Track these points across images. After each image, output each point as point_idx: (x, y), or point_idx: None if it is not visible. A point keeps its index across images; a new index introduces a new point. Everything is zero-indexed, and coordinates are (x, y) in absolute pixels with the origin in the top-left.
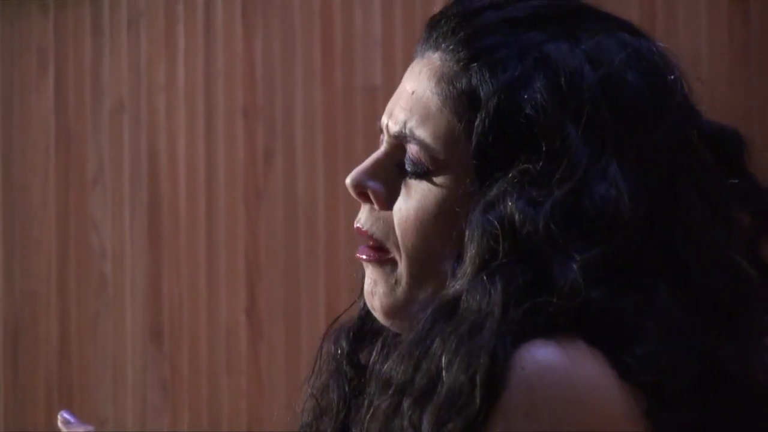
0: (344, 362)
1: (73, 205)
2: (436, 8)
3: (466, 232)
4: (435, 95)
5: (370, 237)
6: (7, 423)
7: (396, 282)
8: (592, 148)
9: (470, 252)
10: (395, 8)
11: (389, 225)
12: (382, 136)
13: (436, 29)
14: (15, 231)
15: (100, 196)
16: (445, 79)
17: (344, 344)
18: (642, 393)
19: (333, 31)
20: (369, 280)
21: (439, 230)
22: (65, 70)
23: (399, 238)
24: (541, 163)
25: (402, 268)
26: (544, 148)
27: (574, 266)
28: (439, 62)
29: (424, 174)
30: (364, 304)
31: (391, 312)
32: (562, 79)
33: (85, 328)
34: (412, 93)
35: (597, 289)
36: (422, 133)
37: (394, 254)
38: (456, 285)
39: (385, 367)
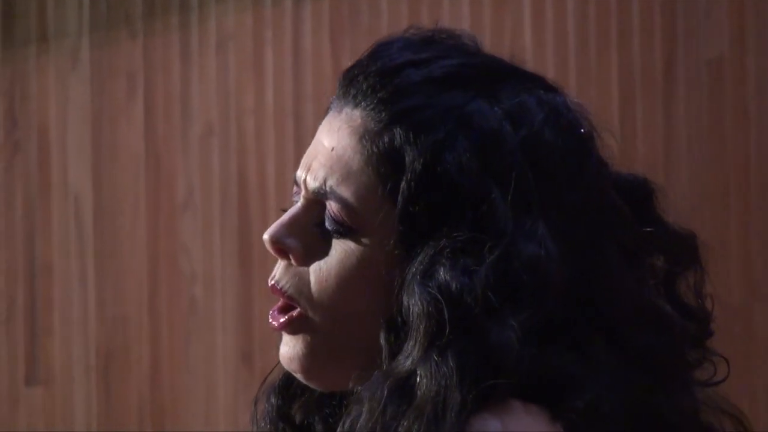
0: (277, 419)
1: (163, 229)
2: (524, 31)
3: (404, 303)
4: (357, 153)
5: (283, 294)
6: None
7: (312, 342)
8: (517, 210)
9: (414, 328)
10: (484, 30)
11: (304, 282)
12: (296, 189)
13: (353, 85)
14: (106, 256)
15: (190, 220)
16: (366, 138)
17: (273, 400)
18: None
19: None
20: (285, 347)
21: (362, 292)
22: (154, 94)
23: (315, 296)
24: (468, 230)
25: (318, 326)
26: (470, 215)
27: (513, 335)
28: (359, 120)
29: (345, 233)
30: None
31: (312, 373)
32: (485, 141)
33: (176, 352)
34: (332, 150)
35: (533, 350)
36: (344, 192)
37: (307, 311)
38: (406, 363)
39: None
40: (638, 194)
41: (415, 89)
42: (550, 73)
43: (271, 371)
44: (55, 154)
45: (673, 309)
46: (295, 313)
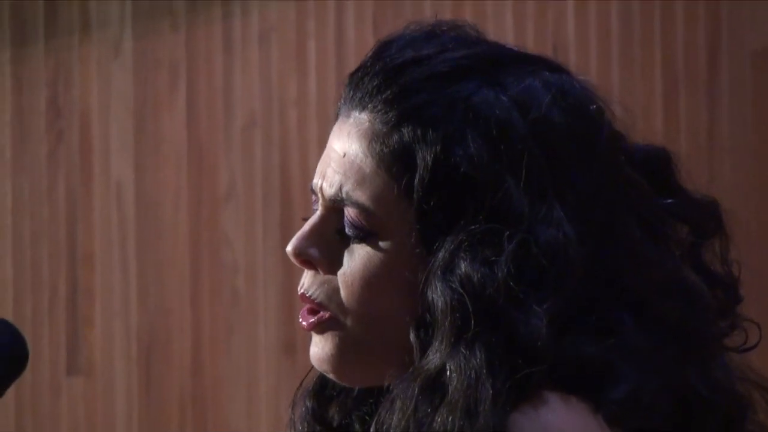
0: (314, 422)
1: (205, 220)
2: (568, 24)
3: (429, 300)
4: (368, 157)
5: (313, 301)
6: None
7: (342, 342)
8: (532, 196)
9: (440, 324)
10: (527, 21)
11: (333, 288)
12: (314, 198)
13: (359, 88)
14: (148, 246)
15: (232, 212)
16: (376, 140)
17: (309, 403)
18: None
19: None
20: (315, 347)
21: (388, 293)
22: (197, 86)
23: (344, 301)
24: (485, 221)
25: (349, 328)
26: (485, 206)
27: (540, 323)
28: (367, 123)
29: (365, 237)
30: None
31: (343, 373)
32: (494, 130)
33: (218, 343)
34: (344, 155)
35: (565, 338)
36: (360, 196)
37: (338, 315)
38: (435, 359)
39: None
40: (655, 164)
41: (419, 86)
42: (592, 66)
43: (306, 376)
44: (97, 143)
45: (700, 278)
46: (326, 315)
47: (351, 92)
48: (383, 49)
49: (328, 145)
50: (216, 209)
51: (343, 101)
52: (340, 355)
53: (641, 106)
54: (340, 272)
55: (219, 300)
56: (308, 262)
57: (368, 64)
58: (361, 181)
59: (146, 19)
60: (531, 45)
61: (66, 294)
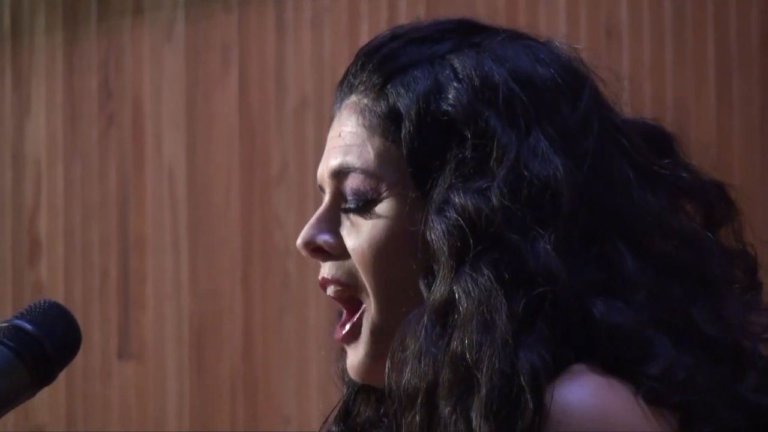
0: None
1: (257, 202)
2: (620, 8)
3: (429, 239)
4: (361, 127)
5: (336, 281)
6: (192, 420)
7: (374, 332)
8: (517, 131)
9: (441, 255)
10: (580, 8)
11: (351, 267)
12: (323, 194)
13: (345, 84)
14: (200, 229)
15: (284, 193)
16: (366, 111)
17: (335, 428)
18: (669, 413)
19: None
20: (351, 356)
21: (397, 255)
22: (249, 67)
23: (364, 278)
24: (472, 152)
25: (374, 311)
26: (469, 137)
27: (547, 247)
28: (355, 100)
29: (369, 202)
30: (346, 391)
31: (379, 367)
32: (474, 77)
33: (269, 326)
34: (339, 135)
35: (597, 305)
36: (359, 162)
37: (362, 296)
38: (440, 289)
39: (403, 381)
40: (656, 137)
41: (398, 53)
42: (645, 51)
43: (332, 411)
44: (149, 126)
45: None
46: (355, 317)
47: (339, 91)
48: (361, 51)
49: (325, 149)
50: (268, 191)
51: (334, 105)
52: (376, 350)
53: (694, 91)
54: (350, 249)
55: (270, 282)
56: (319, 250)
57: (350, 68)
58: (359, 150)
59: (198, 1)
60: (584, 30)
61: (117, 277)
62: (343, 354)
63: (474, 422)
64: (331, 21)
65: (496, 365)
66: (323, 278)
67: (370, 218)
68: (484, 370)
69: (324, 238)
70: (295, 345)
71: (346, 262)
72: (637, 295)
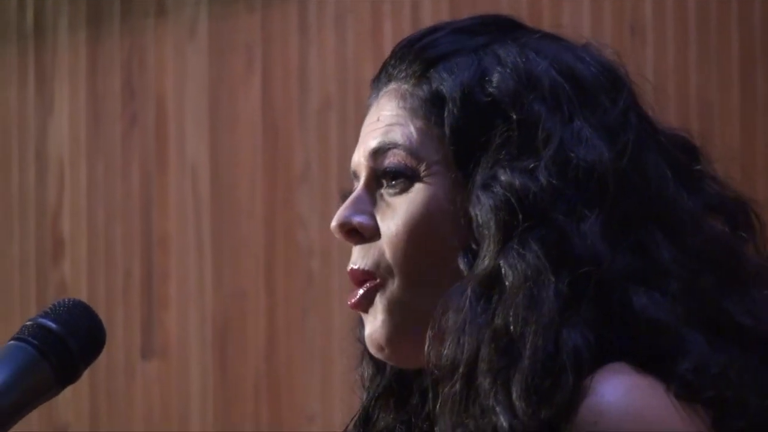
0: None
1: (280, 202)
2: (645, 6)
3: (473, 216)
4: (402, 110)
5: (362, 272)
6: (215, 419)
7: (391, 304)
8: (561, 117)
9: (486, 230)
10: (604, 5)
11: (380, 251)
12: (354, 181)
13: (383, 72)
14: (223, 229)
15: (307, 193)
16: (407, 95)
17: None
18: (702, 409)
19: (541, 27)
20: (368, 326)
21: (432, 233)
22: (272, 67)
23: (390, 259)
24: (518, 133)
25: (396, 287)
26: (515, 118)
27: (594, 228)
28: (395, 86)
29: (408, 180)
30: (367, 397)
31: (398, 344)
32: (519, 63)
33: (292, 325)
34: (378, 119)
35: (638, 296)
36: (402, 139)
37: (386, 280)
38: (485, 262)
39: (444, 352)
40: (685, 147)
41: (440, 42)
42: (669, 49)
43: (353, 418)
44: (172, 126)
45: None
46: (370, 283)
47: (376, 83)
48: (398, 45)
49: (360, 137)
50: (291, 191)
51: (369, 98)
52: (392, 321)
53: (718, 89)
54: (383, 230)
55: (294, 282)
56: (353, 232)
57: (387, 59)
58: (401, 129)
59: (222, 1)
60: (608, 27)
61: (141, 277)
62: (363, 356)
63: (514, 395)
64: (354, 21)
65: (540, 342)
66: (351, 270)
67: (407, 198)
68: (528, 345)
69: (359, 219)
70: (318, 344)
71: (375, 247)
72: (672, 285)
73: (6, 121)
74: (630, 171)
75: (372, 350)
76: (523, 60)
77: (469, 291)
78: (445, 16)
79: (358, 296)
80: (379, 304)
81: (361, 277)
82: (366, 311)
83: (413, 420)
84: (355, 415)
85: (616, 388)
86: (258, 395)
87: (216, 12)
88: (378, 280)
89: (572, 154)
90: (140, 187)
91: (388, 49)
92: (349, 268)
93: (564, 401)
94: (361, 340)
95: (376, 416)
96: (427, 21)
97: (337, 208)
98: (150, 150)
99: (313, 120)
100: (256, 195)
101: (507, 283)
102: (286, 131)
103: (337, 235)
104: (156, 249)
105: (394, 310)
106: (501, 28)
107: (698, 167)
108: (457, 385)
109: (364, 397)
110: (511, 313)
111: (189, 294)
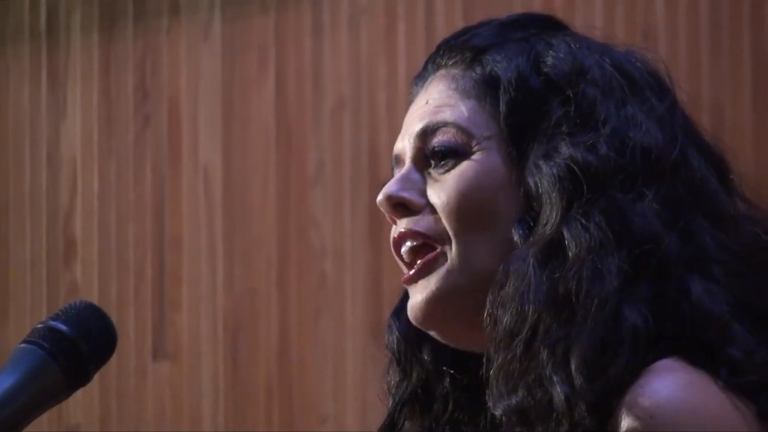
0: None
1: (293, 203)
2: (657, 11)
3: (531, 184)
4: (453, 91)
5: (417, 234)
6: (227, 420)
7: (448, 274)
8: (615, 102)
9: (548, 199)
10: (617, 8)
11: (433, 220)
12: (396, 166)
13: (430, 64)
14: (236, 230)
15: (320, 194)
16: (459, 77)
17: None
18: (747, 398)
19: None
20: (418, 294)
21: (485, 202)
22: (286, 68)
23: (447, 224)
24: (575, 111)
25: (454, 254)
26: (571, 96)
27: (653, 206)
28: (444, 72)
29: (459, 156)
30: (392, 403)
31: (444, 316)
32: (572, 51)
33: (305, 326)
34: (426, 102)
35: (695, 284)
36: (452, 117)
37: (443, 246)
38: (546, 229)
39: (504, 319)
40: (720, 155)
41: (488, 33)
42: (681, 54)
43: (381, 427)
44: (185, 127)
45: None
46: (432, 254)
47: (422, 74)
48: (443, 41)
49: (404, 125)
50: (304, 192)
51: (413, 89)
52: (447, 287)
53: (730, 94)
54: (435, 201)
55: (306, 283)
56: (400, 206)
57: (431, 55)
58: (451, 109)
59: (236, 2)
60: (620, 32)
61: (152, 278)
62: (391, 363)
63: (572, 367)
64: (367, 22)
65: (601, 316)
66: (401, 232)
67: (458, 171)
68: (590, 318)
69: (407, 195)
70: (331, 345)
71: (427, 215)
72: (718, 273)
73: (19, 122)
74: (681, 160)
75: (418, 319)
76: (576, 48)
77: (531, 258)
78: (458, 17)
79: (418, 266)
80: (435, 272)
81: (413, 238)
82: (417, 281)
83: (434, 426)
84: (383, 422)
85: (673, 384)
86: (270, 396)
87: (229, 13)
88: (438, 249)
89: (630, 134)
90: (152, 189)
91: (401, 49)
92: (396, 232)
93: (617, 377)
94: (389, 347)
95: (401, 423)
96: (441, 22)
97: (350, 211)
98: (163, 151)
99: (327, 121)
100: (269, 196)
101: (570, 254)
102: (300, 132)
103: (383, 208)
104: (168, 250)
105: (450, 277)
106: (547, 24)
107: (732, 177)
108: (516, 352)
109: (390, 403)
110: (573, 284)
111: (201, 295)
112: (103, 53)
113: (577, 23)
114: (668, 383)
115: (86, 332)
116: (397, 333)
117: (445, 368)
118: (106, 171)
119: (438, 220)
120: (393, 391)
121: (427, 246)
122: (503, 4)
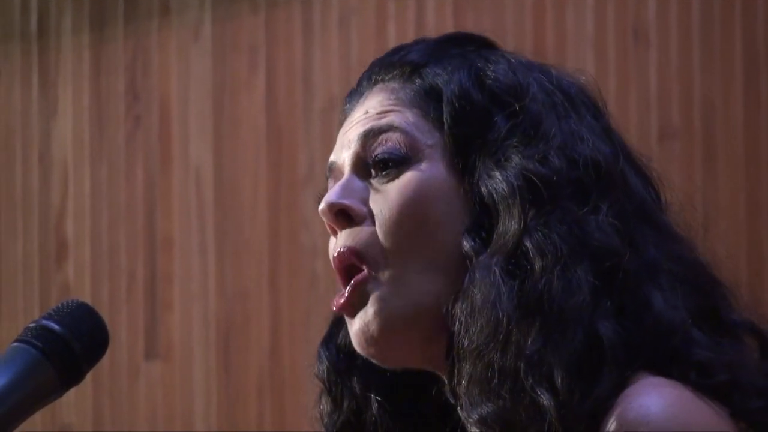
0: None
1: (284, 203)
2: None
3: (485, 193)
4: (394, 100)
5: (351, 252)
6: (219, 420)
7: (381, 297)
8: (557, 115)
9: (503, 207)
10: (608, 9)
11: (371, 234)
12: (329, 178)
13: (365, 80)
14: (227, 230)
15: (311, 195)
16: (397, 89)
17: None
18: (719, 401)
19: (545, 30)
20: (357, 322)
21: (430, 214)
22: (276, 68)
23: (384, 241)
24: (522, 124)
25: (386, 278)
26: (517, 108)
27: (609, 219)
28: (382, 86)
29: (399, 165)
30: None
31: (391, 328)
32: (511, 65)
33: (296, 326)
34: (366, 113)
35: (655, 295)
36: (396, 120)
37: (375, 265)
38: (507, 239)
39: (471, 329)
40: (650, 177)
41: (425, 49)
42: (673, 52)
43: None
44: (176, 127)
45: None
46: (359, 276)
47: (353, 94)
48: (376, 59)
49: (339, 139)
50: (295, 192)
51: (347, 104)
52: (387, 309)
53: (721, 91)
54: (377, 213)
55: (297, 283)
56: (342, 214)
57: (364, 73)
58: (393, 114)
59: (226, 2)
60: (611, 31)
61: (144, 278)
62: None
63: (556, 381)
64: (358, 22)
65: (578, 329)
66: (338, 254)
67: (400, 182)
68: (567, 330)
69: (348, 202)
70: None
71: (364, 231)
72: (667, 281)
73: (10, 123)
74: (623, 174)
75: (361, 347)
76: (515, 63)
77: (495, 267)
78: (449, 18)
79: (347, 294)
80: (371, 295)
81: (349, 260)
82: (354, 311)
83: None
84: None
85: (661, 399)
86: (262, 396)
87: (220, 14)
88: (365, 271)
89: (578, 148)
90: (144, 189)
91: None
92: (335, 253)
93: (605, 394)
94: (319, 376)
95: None
96: (431, 22)
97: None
98: (154, 152)
99: (317, 121)
100: (260, 197)
101: (536, 264)
102: (290, 133)
103: (325, 217)
104: (159, 251)
105: (387, 298)
106: (482, 43)
107: (660, 196)
108: (491, 360)
109: None
110: (546, 294)
111: (192, 296)
112: (94, 54)
113: (569, 21)
114: (656, 398)
115: (79, 331)
116: (326, 363)
117: (373, 395)
118: (97, 172)
119: (374, 235)
120: (325, 420)
121: (353, 266)
122: (493, 4)
